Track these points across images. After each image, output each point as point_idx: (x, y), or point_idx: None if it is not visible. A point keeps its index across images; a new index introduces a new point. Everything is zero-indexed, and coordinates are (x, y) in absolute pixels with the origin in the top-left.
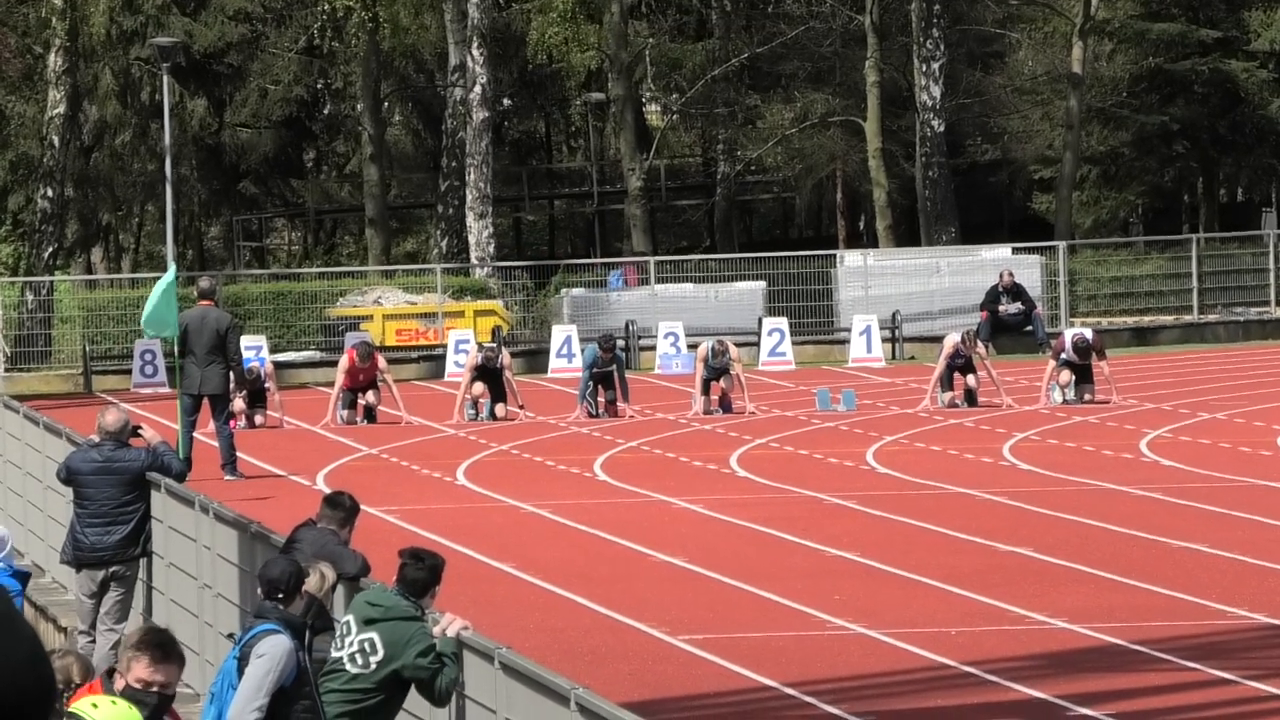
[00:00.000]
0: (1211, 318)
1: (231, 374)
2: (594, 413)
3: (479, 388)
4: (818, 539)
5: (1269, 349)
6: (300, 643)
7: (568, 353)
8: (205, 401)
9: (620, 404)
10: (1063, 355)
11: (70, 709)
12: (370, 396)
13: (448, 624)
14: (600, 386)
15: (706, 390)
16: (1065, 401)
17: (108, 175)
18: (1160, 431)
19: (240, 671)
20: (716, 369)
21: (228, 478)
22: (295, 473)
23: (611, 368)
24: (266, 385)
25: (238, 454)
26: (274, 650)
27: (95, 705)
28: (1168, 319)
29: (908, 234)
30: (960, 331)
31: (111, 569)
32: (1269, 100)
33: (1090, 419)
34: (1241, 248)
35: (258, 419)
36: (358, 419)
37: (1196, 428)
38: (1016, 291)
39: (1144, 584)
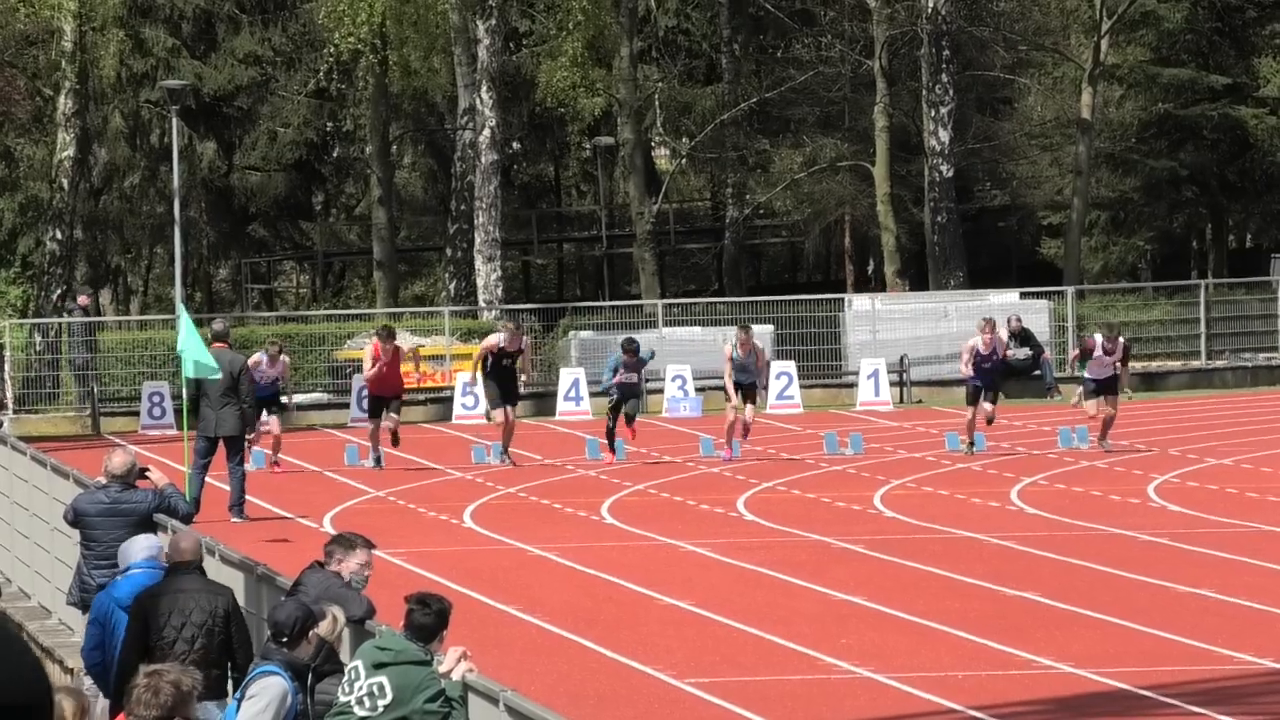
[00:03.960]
0: (1220, 363)
1: (245, 415)
2: (611, 426)
3: (498, 415)
4: (825, 583)
5: (1277, 394)
6: (301, 685)
7: (575, 396)
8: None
9: (628, 428)
10: (1094, 353)
11: None
12: (391, 419)
13: (453, 664)
14: (621, 404)
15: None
16: (1094, 444)
17: (117, 217)
18: (1168, 476)
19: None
20: (744, 367)
21: (234, 519)
22: (303, 515)
23: (635, 376)
24: (281, 387)
25: (246, 496)
26: (266, 691)
27: None
28: (1175, 364)
29: (916, 278)
30: (986, 321)
31: None
32: (1278, 146)
33: (1098, 464)
34: (1250, 293)
35: (268, 423)
36: (379, 452)
37: (1204, 473)
38: (1024, 336)
39: (1151, 629)
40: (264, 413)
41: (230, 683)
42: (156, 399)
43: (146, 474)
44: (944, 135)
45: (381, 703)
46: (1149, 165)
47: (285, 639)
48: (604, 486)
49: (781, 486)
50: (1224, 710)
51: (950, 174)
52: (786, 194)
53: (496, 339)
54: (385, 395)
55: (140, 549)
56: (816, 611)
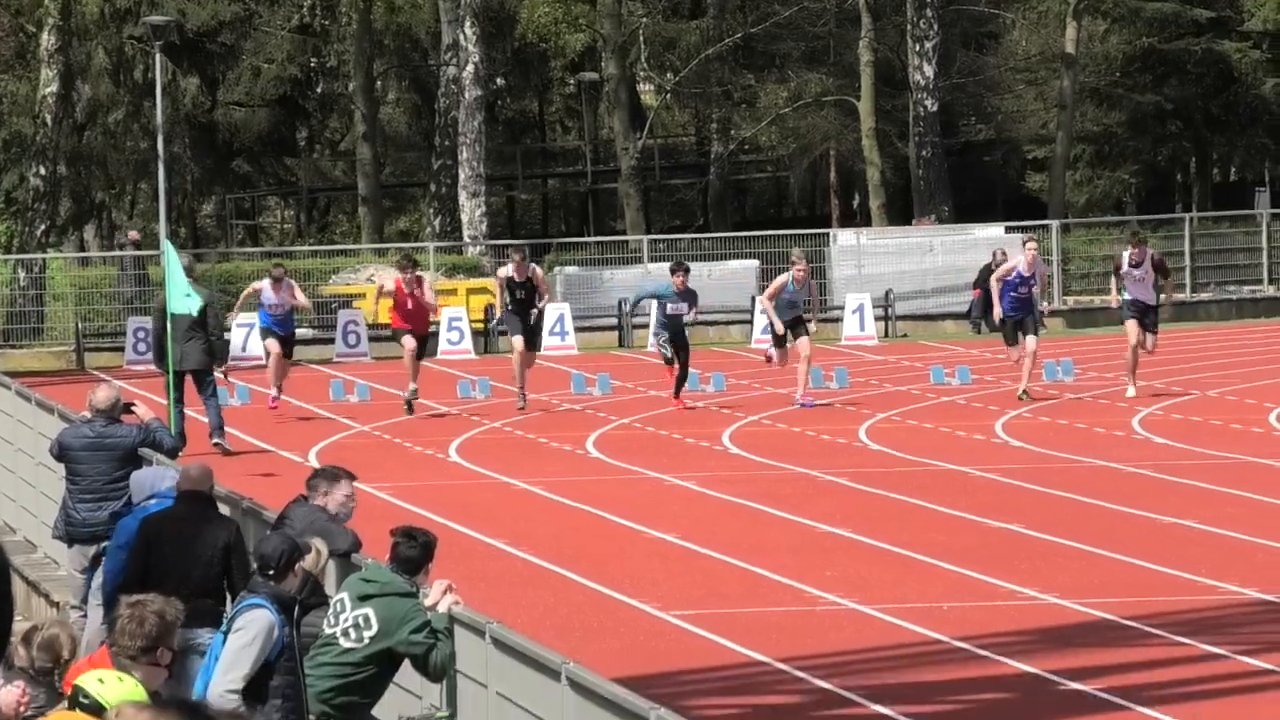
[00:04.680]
0: (1204, 296)
1: (212, 348)
2: (670, 358)
3: (518, 342)
4: (810, 515)
5: (1261, 327)
6: (288, 618)
7: (561, 331)
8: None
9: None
10: (1122, 270)
11: (76, 683)
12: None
13: (439, 598)
14: (673, 341)
15: (782, 343)
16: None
17: (101, 153)
18: (1152, 409)
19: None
20: (794, 302)
21: (214, 442)
22: (288, 449)
23: (684, 307)
24: (297, 316)
25: (228, 429)
26: (253, 624)
27: (102, 681)
28: (1160, 297)
29: (901, 212)
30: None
31: (103, 544)
32: (1262, 80)
33: (1084, 396)
34: (1234, 227)
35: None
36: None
37: (1188, 405)
38: None
39: (1135, 560)
40: (276, 344)
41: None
42: (141, 334)
43: (132, 409)
44: (929, 70)
45: (367, 634)
46: (1133, 99)
47: (271, 572)
48: (589, 420)
49: (766, 420)
50: (1207, 640)
51: (935, 109)
52: (771, 129)
53: (506, 270)
54: (415, 330)
55: (166, 478)
56: (801, 544)
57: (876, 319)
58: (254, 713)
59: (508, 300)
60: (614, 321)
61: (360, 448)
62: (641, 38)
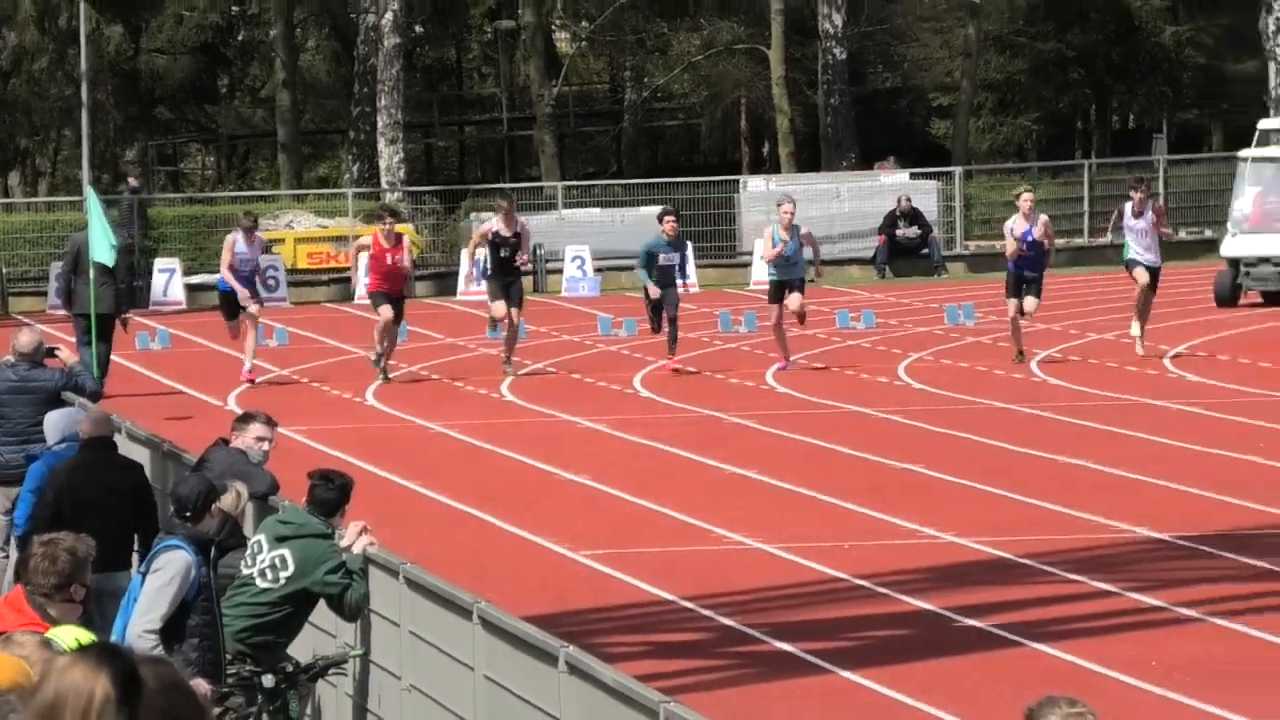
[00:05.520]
0: (1101, 241)
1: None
2: (657, 328)
3: (499, 308)
4: (718, 457)
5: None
6: (204, 559)
7: (477, 276)
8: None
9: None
10: (1125, 221)
11: (47, 636)
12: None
13: (354, 539)
14: (663, 297)
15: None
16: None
17: (25, 100)
18: (1050, 351)
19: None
20: (791, 259)
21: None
22: (206, 392)
23: (676, 258)
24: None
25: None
26: (170, 565)
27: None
28: (1059, 242)
29: (810, 160)
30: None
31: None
32: (1162, 29)
33: (984, 339)
34: (1132, 172)
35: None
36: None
37: (1085, 348)
38: (914, 216)
39: (1031, 499)
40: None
41: (136, 555)
42: (62, 279)
43: (55, 353)
44: (838, 19)
45: (283, 575)
46: (1036, 47)
47: (189, 514)
48: (501, 364)
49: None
50: (1098, 577)
51: (844, 57)
52: (684, 77)
53: (490, 224)
54: (392, 292)
55: (64, 421)
56: (709, 484)
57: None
58: (172, 652)
59: (486, 262)
60: (530, 267)
61: (279, 391)
62: None
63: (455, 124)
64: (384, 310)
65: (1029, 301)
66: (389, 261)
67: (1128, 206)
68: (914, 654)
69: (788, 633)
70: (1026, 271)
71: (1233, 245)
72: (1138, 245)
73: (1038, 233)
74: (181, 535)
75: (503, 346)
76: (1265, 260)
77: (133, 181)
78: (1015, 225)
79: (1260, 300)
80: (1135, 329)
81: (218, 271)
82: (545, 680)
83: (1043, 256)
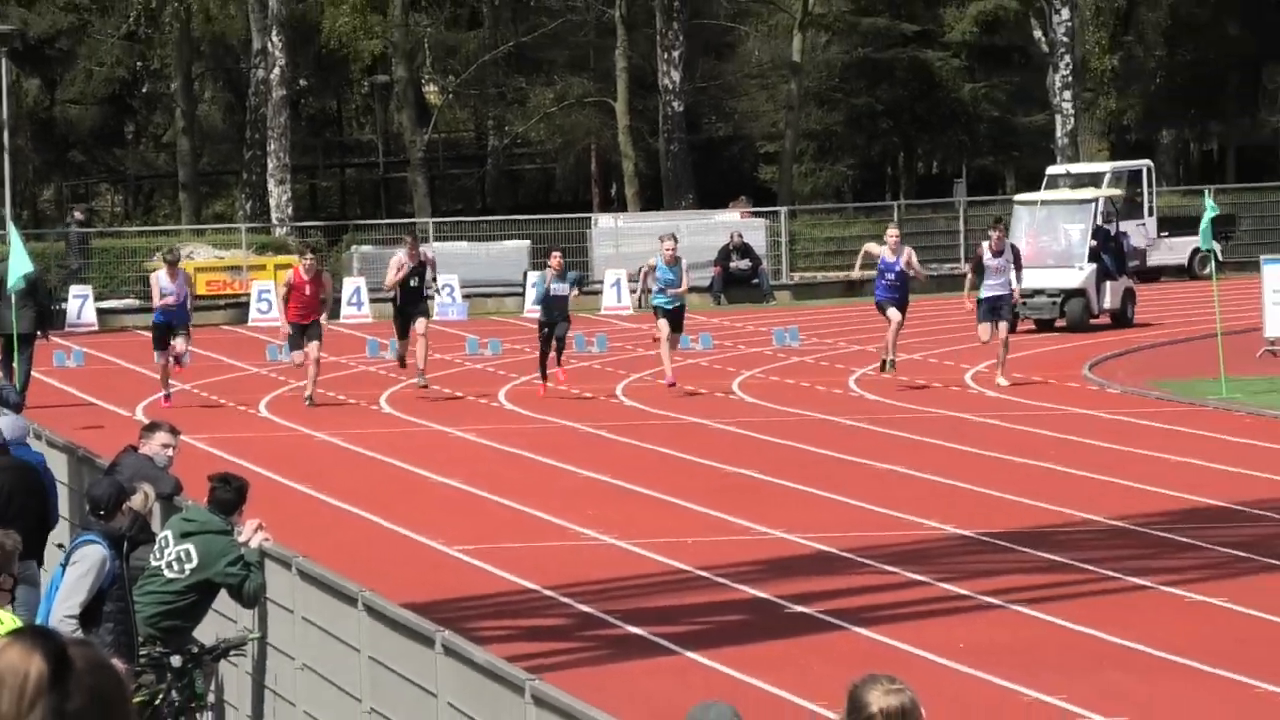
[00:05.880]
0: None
1: (41, 314)
2: (543, 354)
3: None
4: (575, 463)
5: (956, 300)
6: (117, 552)
7: (358, 301)
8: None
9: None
10: (985, 260)
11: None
12: (312, 348)
13: (250, 534)
14: (553, 338)
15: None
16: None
17: None
18: (865, 370)
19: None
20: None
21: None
22: (115, 404)
23: (564, 288)
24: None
25: (64, 387)
26: (87, 558)
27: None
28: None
29: (653, 200)
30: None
31: None
32: (960, 86)
33: (808, 359)
34: (936, 212)
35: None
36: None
37: (898, 367)
38: (745, 250)
39: (851, 500)
40: (175, 338)
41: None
42: None
43: None
44: (675, 75)
45: (188, 566)
46: (851, 102)
47: (102, 512)
48: (381, 380)
49: (537, 380)
50: (911, 568)
51: (681, 109)
52: (540, 126)
53: (398, 258)
54: (305, 322)
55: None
56: (568, 488)
57: (631, 292)
58: (90, 634)
59: (397, 295)
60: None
61: (181, 404)
62: (427, 45)
63: (337, 166)
64: (295, 356)
65: (893, 312)
66: (307, 293)
67: (986, 246)
68: (750, 636)
69: (638, 618)
70: (893, 294)
71: None
72: (991, 284)
73: (903, 262)
74: (97, 531)
75: (408, 361)
76: (1039, 292)
77: (79, 215)
78: (885, 255)
79: (1034, 327)
80: (1002, 380)
81: (126, 297)
82: (423, 661)
83: (907, 281)
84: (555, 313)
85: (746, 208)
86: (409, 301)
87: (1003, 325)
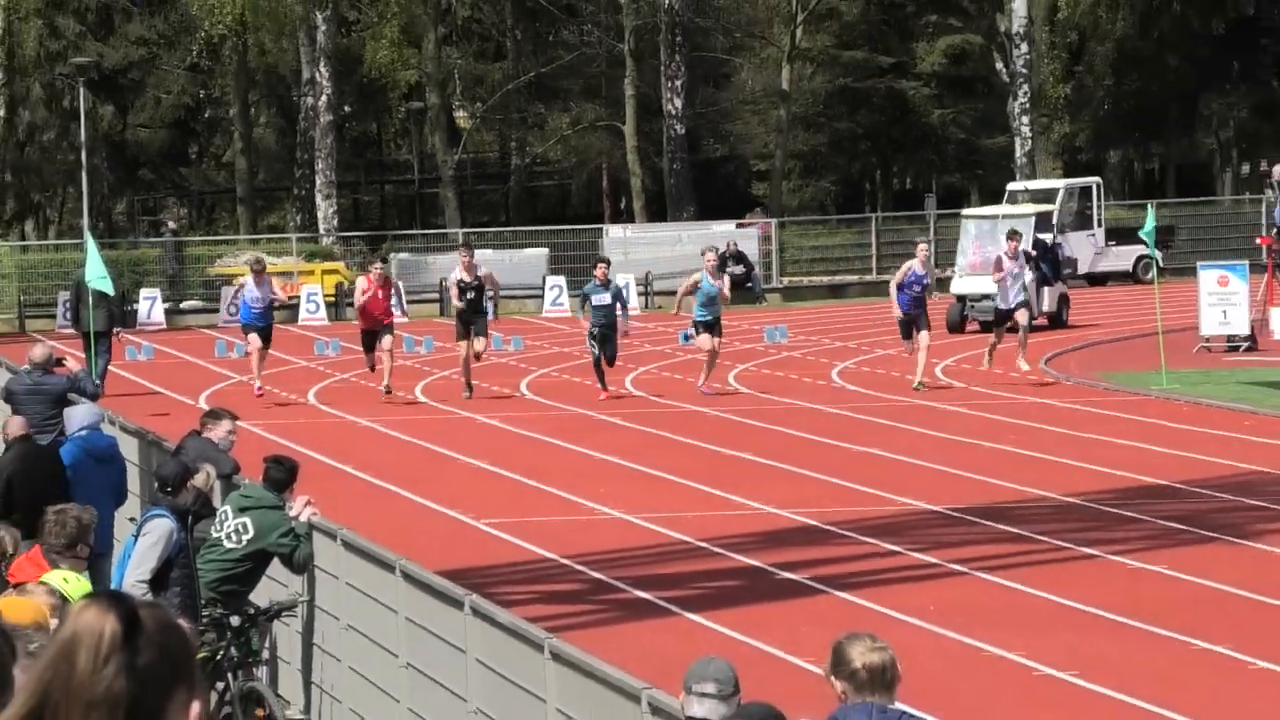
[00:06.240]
0: (887, 276)
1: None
2: (597, 358)
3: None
4: (588, 446)
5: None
6: (182, 525)
7: (397, 303)
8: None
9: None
10: (1004, 268)
11: (43, 580)
12: (386, 342)
13: (301, 509)
14: (602, 339)
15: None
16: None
17: (37, 165)
18: (847, 363)
19: None
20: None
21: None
22: (181, 393)
23: (607, 298)
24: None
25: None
26: (156, 530)
27: (66, 580)
28: (854, 278)
29: (658, 212)
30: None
31: None
32: (930, 111)
33: (795, 354)
34: (910, 224)
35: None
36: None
37: (875, 360)
38: (739, 256)
39: (834, 479)
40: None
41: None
42: (69, 304)
43: (63, 362)
44: (678, 102)
45: (245, 537)
46: (834, 126)
47: (169, 489)
48: (417, 373)
49: (555, 372)
50: (887, 540)
51: (683, 132)
52: (558, 147)
53: (455, 274)
54: (377, 328)
55: (82, 415)
56: (581, 468)
57: (639, 294)
58: (158, 597)
59: (459, 304)
60: (436, 295)
61: (238, 394)
62: (457, 75)
63: (377, 183)
64: (369, 357)
65: (923, 336)
66: (379, 296)
67: (1003, 254)
68: (744, 600)
69: (644, 583)
70: (919, 308)
71: (960, 284)
72: (1002, 293)
73: (931, 276)
74: (164, 506)
75: (460, 372)
76: (985, 296)
77: (171, 225)
78: (915, 267)
79: (978, 328)
80: (1025, 365)
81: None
82: (454, 621)
83: (925, 298)
84: (603, 321)
85: (761, 219)
86: (469, 309)
87: (1021, 313)
